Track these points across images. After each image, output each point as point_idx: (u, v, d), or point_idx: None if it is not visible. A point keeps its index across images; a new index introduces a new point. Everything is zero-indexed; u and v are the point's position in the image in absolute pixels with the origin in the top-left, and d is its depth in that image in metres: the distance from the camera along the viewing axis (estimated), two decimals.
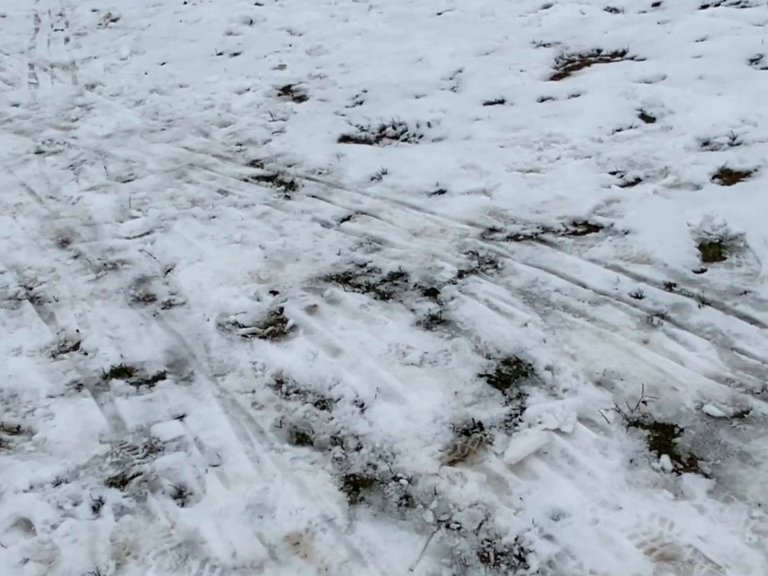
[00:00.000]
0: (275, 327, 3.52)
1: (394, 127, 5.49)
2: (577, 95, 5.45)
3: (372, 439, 2.79)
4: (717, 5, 6.78)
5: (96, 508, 2.65)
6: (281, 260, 4.04)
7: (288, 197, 4.75)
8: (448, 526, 2.43)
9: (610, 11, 7.31)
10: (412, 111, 5.63)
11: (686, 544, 2.27)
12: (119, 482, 2.75)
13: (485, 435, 2.74)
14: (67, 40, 9.64)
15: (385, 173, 4.80)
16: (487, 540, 2.38)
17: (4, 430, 3.07)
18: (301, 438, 2.86)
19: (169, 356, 3.41)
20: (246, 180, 5.06)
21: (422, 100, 5.85)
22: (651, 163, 4.37)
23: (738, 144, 4.39)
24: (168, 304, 3.80)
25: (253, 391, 3.12)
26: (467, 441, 2.73)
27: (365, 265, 3.88)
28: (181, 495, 2.67)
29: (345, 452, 2.75)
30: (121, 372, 3.32)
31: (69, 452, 2.91)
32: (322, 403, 3.01)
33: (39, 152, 6.02)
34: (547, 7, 7.66)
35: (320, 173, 5.01)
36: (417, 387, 2.99)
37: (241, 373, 3.23)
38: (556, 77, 6.00)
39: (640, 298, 3.31)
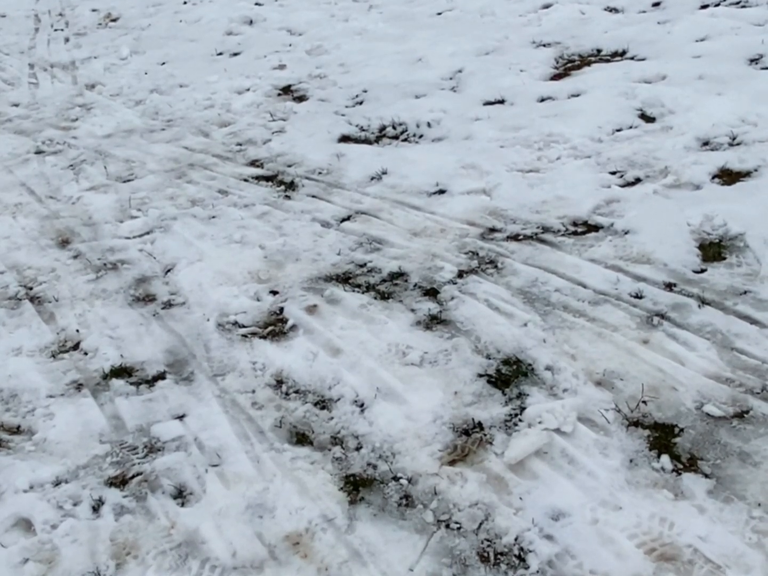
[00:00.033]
0: (275, 327, 3.52)
1: (394, 127, 5.50)
2: (577, 95, 5.45)
3: (372, 438, 2.79)
4: (717, 5, 6.78)
5: (96, 508, 2.65)
6: (281, 260, 4.04)
7: (288, 197, 4.75)
8: (448, 526, 2.43)
9: (610, 11, 7.31)
10: (412, 111, 5.63)
11: (686, 544, 2.27)
12: (119, 482, 2.75)
13: (485, 435, 2.74)
14: (67, 40, 9.64)
15: (385, 173, 4.80)
16: (487, 540, 2.38)
17: (4, 430, 3.07)
18: (301, 438, 2.86)
19: (169, 356, 3.41)
20: (246, 180, 5.07)
21: (422, 100, 5.85)
22: (651, 163, 4.37)
23: (738, 144, 4.39)
24: (168, 304, 3.80)
25: (253, 391, 3.12)
26: (467, 441, 2.73)
27: (365, 265, 3.88)
28: (181, 495, 2.67)
29: (345, 452, 2.75)
30: (121, 372, 3.32)
31: (69, 452, 2.91)
32: (322, 403, 3.01)
33: (39, 152, 6.02)
34: (547, 7, 7.66)
35: (320, 173, 5.01)
36: (417, 387, 2.99)
37: (241, 373, 3.23)
38: (556, 77, 6.00)
39: (640, 298, 3.31)
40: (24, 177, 5.58)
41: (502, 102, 5.63)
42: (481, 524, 2.42)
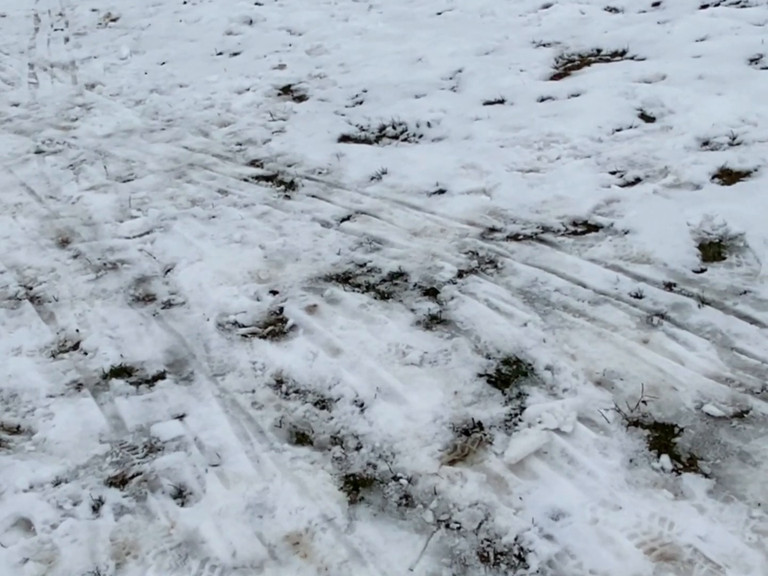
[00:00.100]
0: (275, 327, 3.52)
1: (394, 127, 5.49)
2: (577, 95, 5.45)
3: (372, 438, 2.79)
4: (717, 5, 6.78)
5: (96, 507, 2.65)
6: (281, 260, 4.04)
7: (288, 197, 4.75)
8: (447, 526, 2.43)
9: (610, 11, 7.30)
10: (412, 111, 5.63)
11: (686, 543, 2.27)
12: (119, 482, 2.75)
13: (485, 435, 2.74)
14: (66, 39, 9.63)
15: (385, 173, 4.80)
16: (487, 540, 2.38)
17: (4, 430, 3.07)
18: (300, 438, 2.86)
19: (168, 356, 3.41)
20: (246, 180, 5.06)
21: (422, 100, 5.85)
22: (651, 163, 4.37)
23: (738, 144, 4.39)
24: (168, 304, 3.80)
25: (253, 391, 3.12)
26: (467, 441, 2.73)
27: (365, 264, 3.88)
28: (180, 495, 2.67)
29: (345, 452, 2.75)
30: (121, 372, 3.32)
31: (69, 452, 2.91)
32: (322, 403, 3.01)
33: (39, 152, 6.02)
34: (547, 6, 7.66)
35: (320, 173, 5.01)
36: (417, 387, 2.99)
37: (240, 372, 3.23)
38: (556, 77, 6.00)
39: (640, 297, 3.31)
40: (24, 177, 5.58)
41: (502, 102, 5.63)
42: (480, 524, 2.42)
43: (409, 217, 4.29)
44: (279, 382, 3.15)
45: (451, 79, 6.23)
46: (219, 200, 4.80)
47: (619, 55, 6.23)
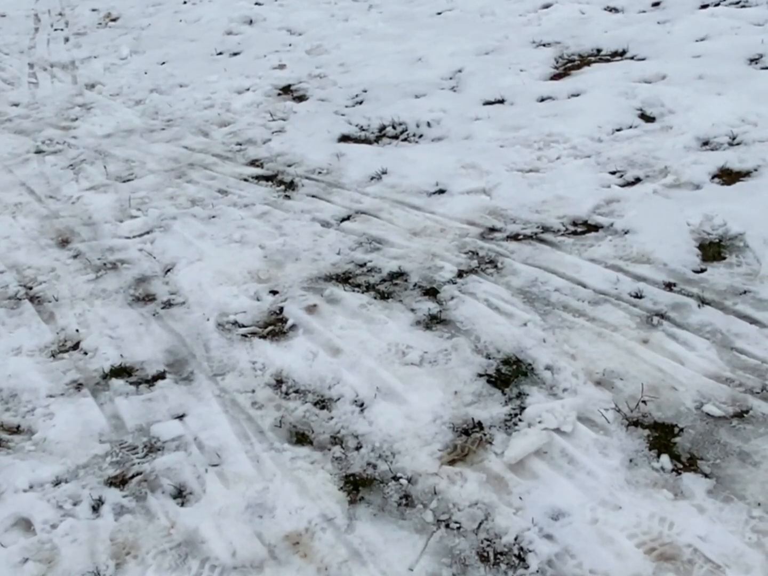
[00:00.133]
0: (275, 327, 3.52)
1: (393, 127, 5.49)
2: (577, 95, 5.45)
3: (372, 438, 2.79)
4: (717, 5, 6.78)
5: (96, 507, 2.65)
6: (281, 260, 4.04)
7: (288, 197, 4.75)
8: (447, 526, 2.43)
9: (610, 11, 7.30)
10: (412, 111, 5.63)
11: (686, 543, 2.27)
12: (119, 482, 2.75)
13: (485, 434, 2.74)
14: (66, 39, 9.63)
15: (384, 173, 4.80)
16: (487, 539, 2.38)
17: (4, 430, 3.07)
18: (300, 437, 2.86)
19: (168, 356, 3.41)
20: (246, 180, 5.06)
21: (422, 100, 5.85)
22: (651, 163, 4.37)
23: (738, 144, 4.39)
24: (168, 304, 3.80)
25: (253, 391, 3.12)
26: (467, 440, 2.73)
27: (365, 264, 3.88)
28: (180, 495, 2.67)
29: (345, 452, 2.75)
30: (121, 372, 3.32)
31: (69, 452, 2.91)
32: (322, 403, 3.01)
33: (39, 152, 6.02)
34: (547, 6, 7.66)
35: (320, 173, 5.01)
36: (417, 386, 2.99)
37: (240, 372, 3.23)
38: (556, 77, 6.00)
39: (640, 297, 3.31)
40: (24, 177, 5.58)
41: (502, 102, 5.63)
42: (480, 524, 2.42)
43: (409, 217, 4.29)
44: (279, 382, 3.15)
45: (451, 79, 6.23)
46: (219, 200, 4.80)
47: (619, 55, 6.23)
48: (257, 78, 6.98)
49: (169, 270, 4.09)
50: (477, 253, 3.83)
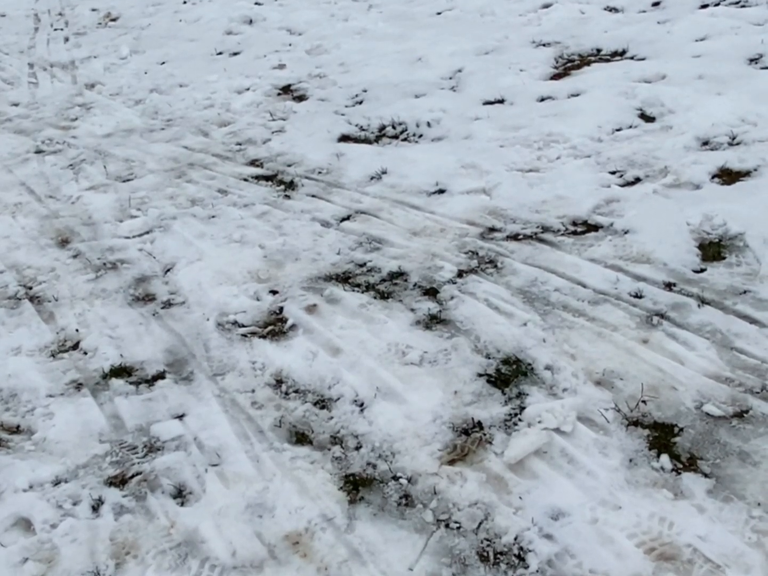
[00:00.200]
0: (275, 326, 3.52)
1: (393, 127, 5.49)
2: (577, 95, 5.45)
3: (371, 438, 2.79)
4: (717, 5, 6.78)
5: (95, 507, 2.65)
6: (281, 260, 4.04)
7: (288, 197, 4.75)
8: (447, 526, 2.43)
9: (610, 11, 7.31)
10: (411, 110, 5.63)
11: (686, 543, 2.27)
12: (119, 482, 2.75)
13: (485, 434, 2.74)
14: (66, 39, 9.64)
15: (384, 173, 4.80)
16: (487, 539, 2.38)
17: (4, 430, 3.07)
18: (300, 437, 2.86)
19: (168, 356, 3.41)
20: (245, 179, 5.06)
21: (422, 100, 5.85)
22: (651, 163, 4.37)
23: (738, 144, 4.39)
24: (167, 304, 3.80)
25: (253, 391, 3.12)
26: (467, 440, 2.73)
27: (365, 264, 3.88)
28: (180, 494, 2.67)
29: (344, 452, 2.75)
30: (121, 371, 3.32)
31: (68, 452, 2.91)
32: (322, 403, 3.01)
33: (39, 152, 6.02)
34: (546, 6, 7.66)
35: (320, 173, 5.01)
36: (416, 386, 2.99)
37: (240, 372, 3.23)
38: (555, 77, 6.00)
39: (640, 297, 3.31)
40: (24, 176, 5.58)
41: (501, 102, 5.63)
42: (480, 524, 2.42)
43: (408, 216, 4.29)
44: (279, 382, 3.15)
45: (450, 78, 6.23)
46: (219, 200, 4.80)
47: (619, 54, 6.23)
48: (257, 78, 6.98)
49: (168, 270, 4.09)
50: (477, 253, 3.83)
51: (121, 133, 6.22)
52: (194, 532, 2.51)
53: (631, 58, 6.06)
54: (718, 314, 3.13)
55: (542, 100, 5.52)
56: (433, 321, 3.37)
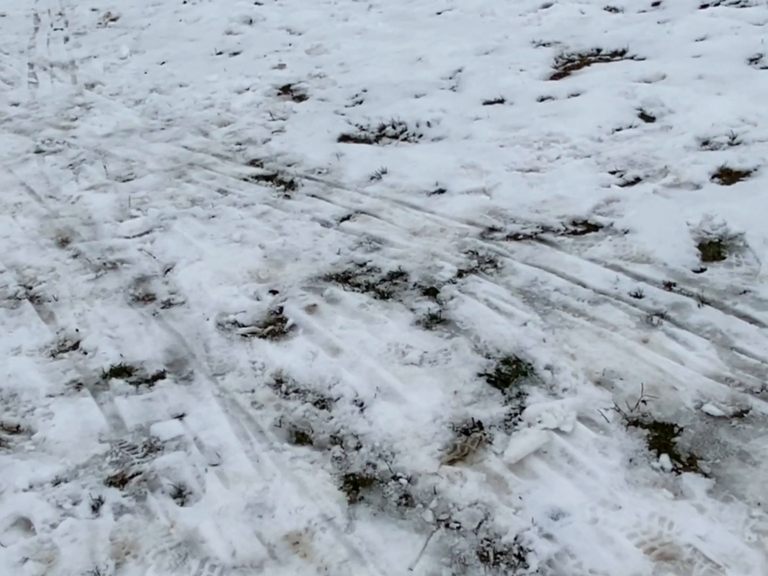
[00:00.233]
0: (275, 326, 3.52)
1: (393, 127, 5.49)
2: (577, 95, 5.45)
3: (371, 438, 2.79)
4: (717, 5, 6.78)
5: (95, 507, 2.65)
6: (281, 260, 4.04)
7: (288, 196, 4.75)
8: (447, 526, 2.43)
9: (610, 11, 7.31)
10: (411, 110, 5.63)
11: (686, 543, 2.27)
12: (119, 481, 2.75)
13: (485, 434, 2.74)
14: (66, 39, 9.64)
15: (384, 173, 4.80)
16: (487, 539, 2.38)
17: (4, 430, 3.07)
18: (300, 437, 2.86)
19: (168, 355, 3.41)
20: (245, 179, 5.06)
21: (422, 100, 5.85)
22: (651, 163, 4.37)
23: (738, 143, 4.39)
24: (167, 304, 3.80)
25: (253, 391, 3.12)
26: (467, 440, 2.73)
27: (365, 264, 3.88)
28: (180, 494, 2.67)
29: (344, 451, 2.75)
30: (121, 371, 3.32)
31: (68, 451, 2.91)
32: (322, 403, 3.01)
33: (38, 151, 6.02)
34: (546, 6, 7.66)
35: (320, 172, 5.01)
36: (416, 386, 2.99)
37: (240, 372, 3.23)
38: (555, 77, 6.00)
39: (640, 297, 3.31)
40: (24, 176, 5.58)
41: (501, 101, 5.63)
42: (480, 523, 2.42)
43: (408, 216, 4.29)
44: (279, 382, 3.15)
45: (450, 78, 6.23)
46: (219, 200, 4.80)
47: (619, 54, 6.23)
48: (257, 78, 6.98)
49: (168, 270, 4.09)
50: (477, 253, 3.83)
51: (121, 133, 6.22)
52: (194, 532, 2.51)
53: (631, 58, 6.06)
54: (718, 314, 3.13)
55: (542, 100, 5.52)
56: (433, 321, 3.37)
